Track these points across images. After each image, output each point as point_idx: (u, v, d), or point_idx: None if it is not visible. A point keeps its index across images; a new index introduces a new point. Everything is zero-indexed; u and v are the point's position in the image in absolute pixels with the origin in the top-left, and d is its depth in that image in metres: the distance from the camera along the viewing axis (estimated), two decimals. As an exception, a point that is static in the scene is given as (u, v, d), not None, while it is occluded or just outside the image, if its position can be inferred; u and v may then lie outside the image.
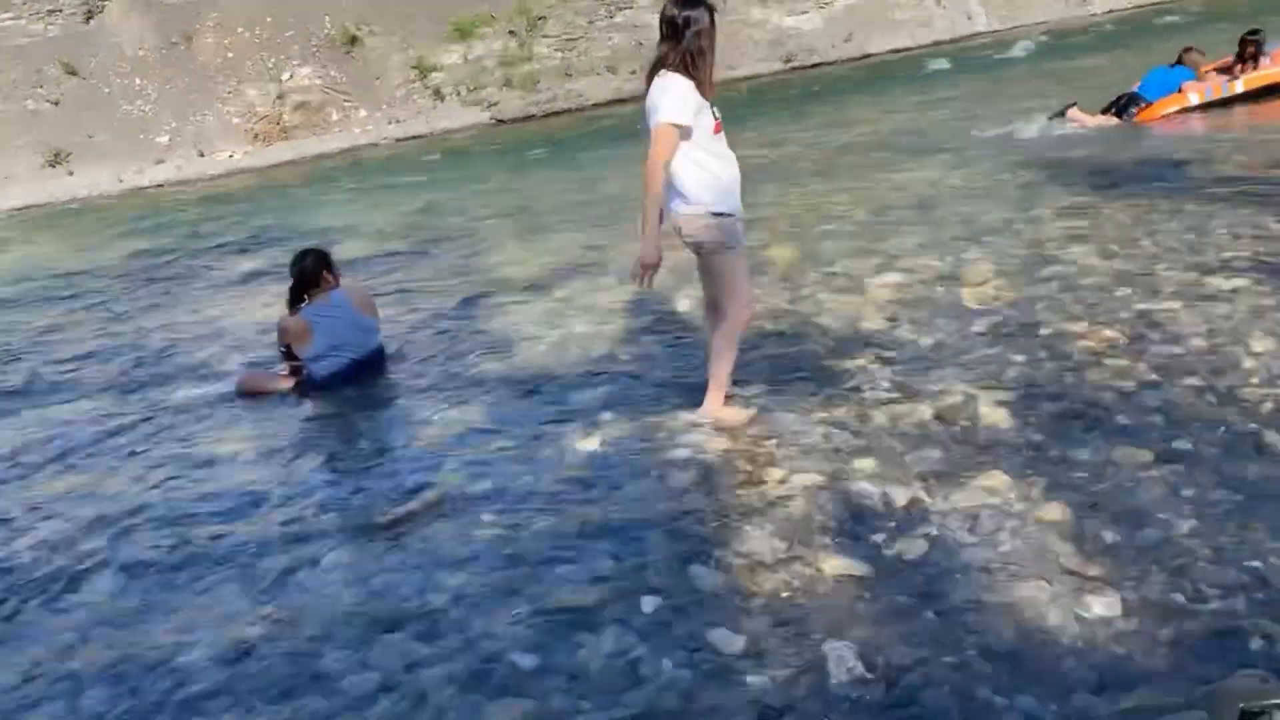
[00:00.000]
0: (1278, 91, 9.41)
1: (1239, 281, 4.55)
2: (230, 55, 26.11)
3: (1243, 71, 9.60)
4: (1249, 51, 9.62)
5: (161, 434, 5.03)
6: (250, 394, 5.41)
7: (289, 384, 5.35)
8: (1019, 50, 19.64)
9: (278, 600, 3.14)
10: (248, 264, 10.02)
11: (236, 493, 4.09)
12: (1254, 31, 9.78)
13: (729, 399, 3.96)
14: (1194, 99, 9.48)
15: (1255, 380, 3.56)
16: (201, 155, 24.83)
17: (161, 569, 3.50)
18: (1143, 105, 9.58)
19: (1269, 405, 3.36)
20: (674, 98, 3.40)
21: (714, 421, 3.88)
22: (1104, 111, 9.81)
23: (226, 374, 5.90)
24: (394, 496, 3.79)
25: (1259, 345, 3.82)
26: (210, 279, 9.52)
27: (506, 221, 9.95)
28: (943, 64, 19.47)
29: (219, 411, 5.25)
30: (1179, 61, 9.93)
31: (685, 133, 3.44)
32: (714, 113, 3.53)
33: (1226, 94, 9.48)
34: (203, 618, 3.10)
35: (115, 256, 12.17)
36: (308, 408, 5.13)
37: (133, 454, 4.79)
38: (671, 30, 3.44)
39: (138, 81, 25.83)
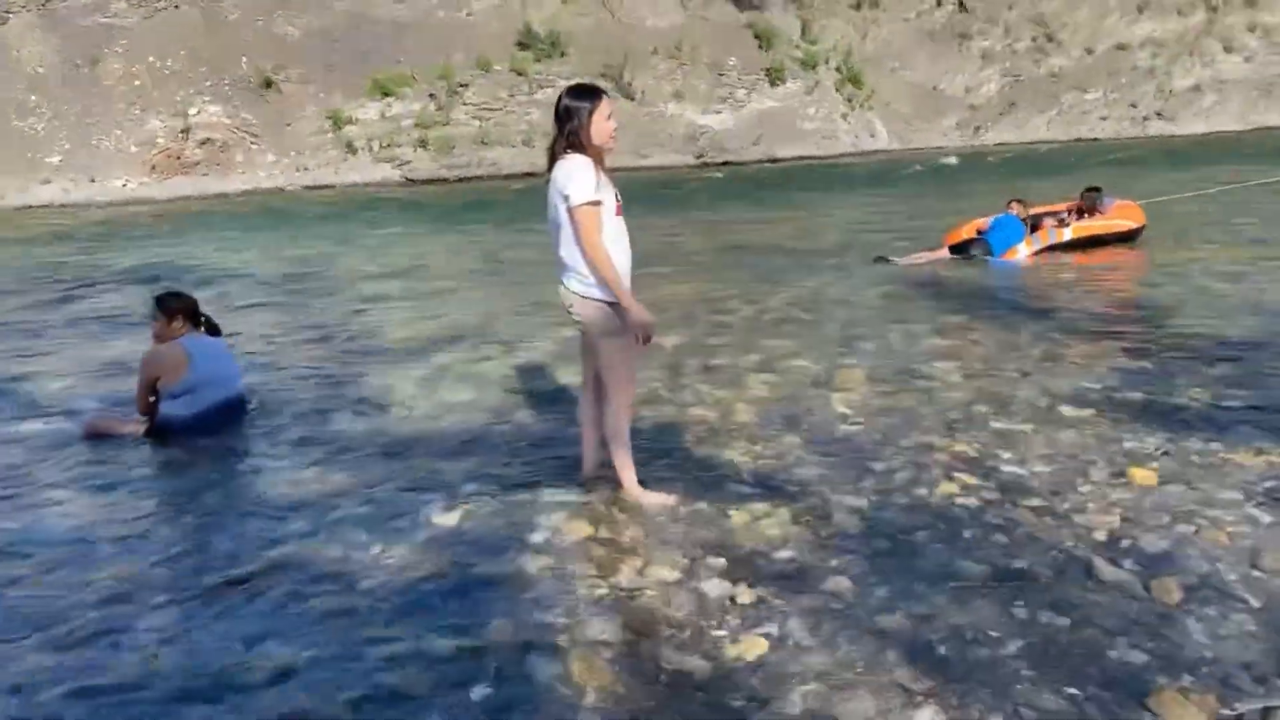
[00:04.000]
0: (1103, 243, 10.41)
1: (1086, 411, 4.81)
2: (137, 83, 25.44)
3: (1075, 220, 10.61)
4: (1083, 205, 10.73)
5: (-9, 470, 4.70)
6: (97, 436, 5.12)
7: (140, 429, 5.08)
8: (910, 171, 20.77)
9: (84, 661, 2.92)
10: (113, 300, 9.60)
11: (61, 540, 3.83)
12: (1092, 188, 10.94)
13: (647, 484, 3.95)
14: (1024, 251, 10.19)
15: (1091, 507, 3.73)
16: (93, 181, 23.92)
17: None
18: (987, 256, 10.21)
19: (1101, 533, 3.51)
20: (580, 179, 3.52)
21: (637, 505, 3.87)
22: (953, 248, 10.34)
23: (74, 413, 5.58)
24: (232, 557, 3.61)
25: (1096, 474, 4.02)
26: (72, 312, 9.07)
27: (397, 282, 9.83)
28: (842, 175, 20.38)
29: (60, 452, 4.94)
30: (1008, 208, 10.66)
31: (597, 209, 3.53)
32: (616, 195, 3.62)
33: (1054, 240, 10.36)
34: (-6, 676, 2.86)
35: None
36: (157, 455, 4.87)
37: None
38: (558, 119, 3.60)
39: (33, 98, 24.86)
